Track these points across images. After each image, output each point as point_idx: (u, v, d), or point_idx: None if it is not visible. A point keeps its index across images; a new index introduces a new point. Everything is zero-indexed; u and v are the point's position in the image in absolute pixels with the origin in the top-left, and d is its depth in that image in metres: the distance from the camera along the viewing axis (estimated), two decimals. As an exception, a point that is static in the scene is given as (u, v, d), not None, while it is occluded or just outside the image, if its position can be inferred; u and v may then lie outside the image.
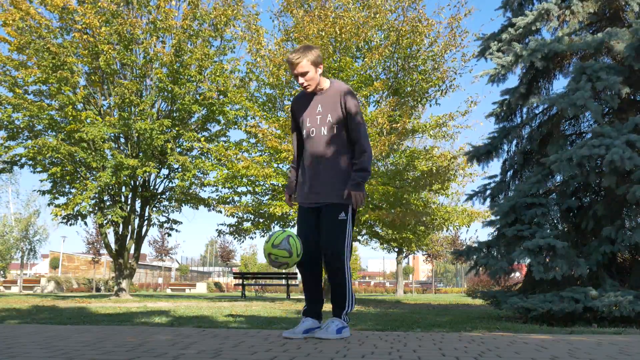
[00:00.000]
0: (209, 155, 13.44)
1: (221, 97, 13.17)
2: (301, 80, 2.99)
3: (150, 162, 12.11)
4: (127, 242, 13.37)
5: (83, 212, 12.74)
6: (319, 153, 3.01)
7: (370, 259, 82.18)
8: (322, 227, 2.99)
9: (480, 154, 7.53)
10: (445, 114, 13.07)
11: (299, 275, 18.45)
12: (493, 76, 7.07)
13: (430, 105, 13.34)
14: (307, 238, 3.03)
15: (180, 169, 13.20)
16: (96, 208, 12.79)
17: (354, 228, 4.79)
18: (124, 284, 13.14)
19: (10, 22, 11.51)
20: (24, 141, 12.37)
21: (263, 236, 14.38)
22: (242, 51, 42.71)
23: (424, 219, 13.32)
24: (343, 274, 2.96)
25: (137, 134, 12.32)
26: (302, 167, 3.16)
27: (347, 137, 3.02)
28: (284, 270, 15.93)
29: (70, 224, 13.07)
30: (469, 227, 13.90)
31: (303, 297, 20.67)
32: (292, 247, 2.85)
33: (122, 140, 13.12)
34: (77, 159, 12.21)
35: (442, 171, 12.92)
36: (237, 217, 13.59)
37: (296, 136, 3.22)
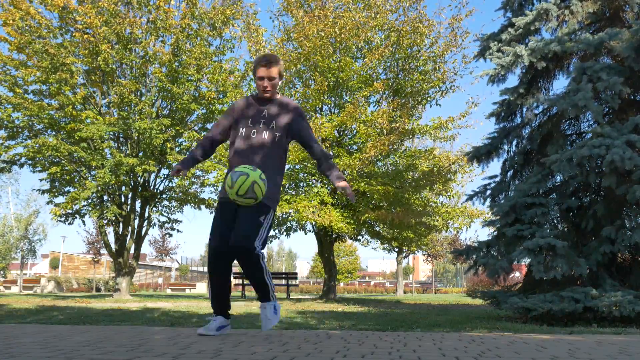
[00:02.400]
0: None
1: (220, 95, 13.17)
2: (266, 83, 3.09)
3: (149, 161, 12.11)
4: (127, 242, 13.37)
5: (82, 211, 12.73)
6: (256, 156, 3.07)
7: (370, 259, 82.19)
8: (240, 218, 2.99)
9: (481, 154, 7.54)
10: (447, 118, 13.05)
11: (298, 276, 18.44)
12: (493, 76, 7.07)
13: (431, 106, 13.35)
14: (223, 235, 3.00)
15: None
16: (96, 207, 12.79)
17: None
18: (124, 283, 13.14)
19: (11, 21, 11.51)
20: (23, 141, 12.37)
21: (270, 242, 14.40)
22: (241, 50, 42.69)
23: (424, 219, 13.33)
24: (262, 268, 3.01)
25: (136, 134, 12.32)
26: (231, 163, 3.16)
27: (284, 148, 3.17)
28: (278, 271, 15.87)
29: (69, 223, 13.06)
30: (469, 227, 13.91)
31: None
32: (242, 170, 2.84)
33: (122, 139, 13.12)
34: (77, 158, 12.21)
35: (442, 171, 12.93)
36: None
37: (222, 128, 3.26)
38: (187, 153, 3.21)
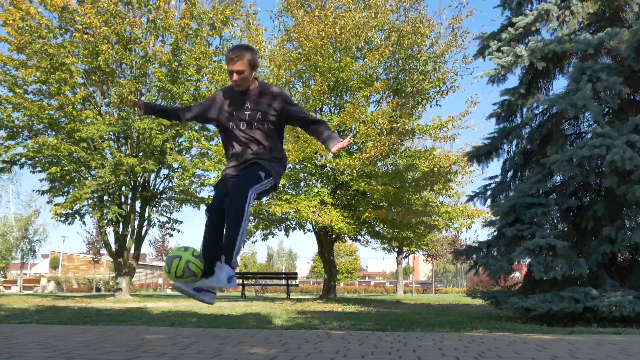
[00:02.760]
0: (210, 155, 13.44)
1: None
2: (235, 77, 3.05)
3: (149, 161, 12.11)
4: (127, 242, 13.37)
5: (82, 211, 12.73)
6: (250, 148, 3.08)
7: (370, 259, 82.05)
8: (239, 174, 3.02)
9: (481, 154, 7.53)
10: (447, 118, 13.05)
11: (298, 276, 18.44)
12: (493, 76, 7.07)
13: (431, 106, 13.35)
14: (218, 194, 3.04)
15: (180, 169, 13.21)
16: (95, 207, 12.79)
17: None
18: (124, 283, 13.14)
19: (11, 21, 11.51)
20: (23, 141, 12.37)
21: (264, 239, 14.41)
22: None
23: (424, 218, 13.33)
24: (243, 213, 2.87)
25: (136, 134, 12.32)
26: (228, 153, 3.17)
27: (277, 133, 3.15)
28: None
29: (69, 223, 13.06)
30: (469, 228, 13.90)
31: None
32: (175, 254, 2.88)
33: (122, 139, 13.13)
34: (77, 158, 12.21)
35: (442, 172, 12.93)
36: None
37: (198, 110, 3.26)
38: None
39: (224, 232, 2.94)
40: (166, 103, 13.24)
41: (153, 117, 3.32)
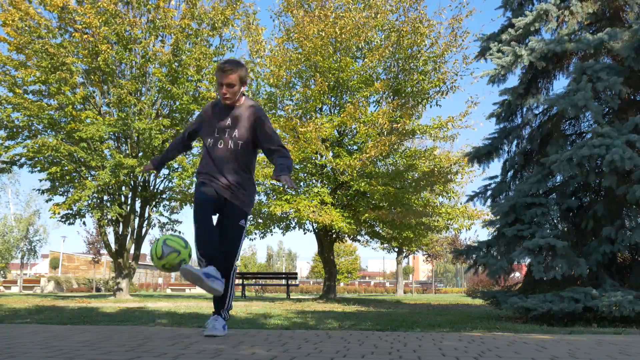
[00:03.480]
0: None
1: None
2: (224, 90, 3.09)
3: (149, 161, 12.11)
4: (127, 242, 13.37)
5: (82, 211, 12.73)
6: (224, 166, 3.12)
7: (370, 259, 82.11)
8: (225, 227, 3.13)
9: (481, 155, 7.53)
10: (447, 118, 13.05)
11: (298, 276, 18.44)
12: (493, 77, 7.07)
13: (431, 106, 13.35)
14: (209, 198, 3.08)
15: (180, 168, 13.20)
16: (96, 207, 12.79)
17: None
18: (124, 283, 13.14)
19: (10, 22, 11.50)
20: (23, 141, 12.37)
21: (262, 237, 14.41)
22: (241, 50, 42.65)
23: (424, 219, 13.33)
24: (229, 275, 3.13)
25: (136, 134, 12.32)
26: (207, 164, 3.18)
27: (253, 150, 3.22)
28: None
29: (69, 223, 13.06)
30: (469, 229, 13.91)
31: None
32: (174, 246, 2.89)
33: (122, 140, 13.13)
34: (77, 159, 12.21)
35: (443, 172, 12.93)
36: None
37: (191, 130, 3.38)
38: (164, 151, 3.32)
39: None
40: (166, 103, 13.26)
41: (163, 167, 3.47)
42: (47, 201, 13.20)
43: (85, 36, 11.71)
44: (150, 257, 2.97)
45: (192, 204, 3.21)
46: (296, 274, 16.74)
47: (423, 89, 12.70)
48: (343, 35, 12.01)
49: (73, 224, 13.13)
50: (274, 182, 12.73)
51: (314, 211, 11.57)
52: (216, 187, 3.10)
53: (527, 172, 7.39)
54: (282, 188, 13.12)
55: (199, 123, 3.31)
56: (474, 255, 6.85)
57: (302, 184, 13.45)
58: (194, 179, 13.71)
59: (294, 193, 12.93)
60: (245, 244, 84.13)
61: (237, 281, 16.55)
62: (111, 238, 13.71)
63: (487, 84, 7.23)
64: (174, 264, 2.87)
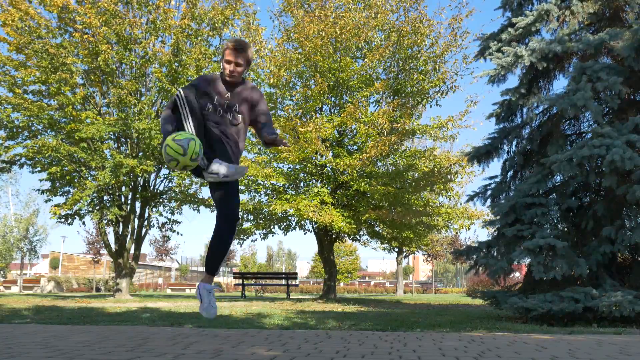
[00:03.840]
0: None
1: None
2: (232, 68, 3.10)
3: (148, 161, 12.11)
4: (127, 242, 13.37)
5: (81, 211, 12.74)
6: (226, 131, 3.16)
7: (370, 259, 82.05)
8: (230, 192, 3.17)
9: (481, 154, 7.53)
10: (447, 117, 13.05)
11: (298, 276, 18.43)
12: (493, 77, 7.07)
13: (431, 106, 13.35)
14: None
15: (180, 169, 13.19)
16: (96, 208, 12.79)
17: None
18: (124, 284, 13.14)
19: (10, 22, 11.50)
20: (23, 141, 12.37)
21: (264, 238, 14.42)
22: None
23: (424, 219, 13.33)
24: (234, 228, 3.24)
25: (136, 134, 12.32)
26: (202, 132, 3.14)
27: (245, 130, 3.28)
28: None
29: (69, 223, 13.06)
30: (468, 229, 13.91)
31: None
32: (188, 148, 2.81)
33: (122, 140, 13.12)
34: (77, 159, 12.21)
35: (443, 172, 12.93)
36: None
37: (186, 101, 3.17)
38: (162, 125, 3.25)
39: (220, 246, 3.17)
40: (166, 103, 13.26)
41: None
42: (46, 201, 13.21)
43: (86, 36, 11.71)
44: (169, 163, 2.82)
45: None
46: (296, 274, 16.74)
47: (423, 88, 12.70)
48: (343, 35, 12.00)
49: (72, 224, 13.13)
50: (273, 181, 12.73)
51: (314, 211, 11.58)
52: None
53: (527, 172, 7.39)
54: (282, 188, 13.12)
55: (195, 89, 3.19)
56: (474, 256, 6.85)
57: (302, 183, 13.45)
58: (194, 179, 13.77)
59: (294, 192, 12.92)
60: (246, 244, 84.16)
61: (236, 281, 16.55)
62: (111, 238, 13.72)
63: (486, 83, 7.23)
64: (169, 153, 2.78)
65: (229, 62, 3.10)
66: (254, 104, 3.23)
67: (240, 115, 3.19)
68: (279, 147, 11.64)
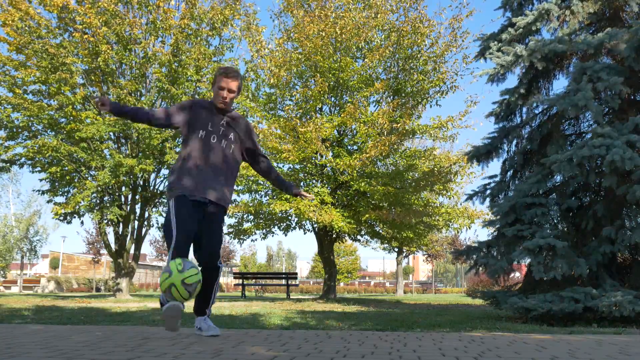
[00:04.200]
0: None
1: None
2: (225, 94, 3.13)
3: (147, 161, 12.11)
4: (127, 242, 13.37)
5: (82, 211, 12.75)
6: (217, 160, 3.12)
7: (370, 259, 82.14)
8: (211, 228, 3.08)
9: (480, 154, 7.53)
10: (447, 117, 13.04)
11: (298, 276, 18.43)
12: (492, 76, 7.07)
13: (431, 106, 13.34)
14: (190, 232, 2.96)
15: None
16: (96, 208, 12.79)
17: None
18: (124, 284, 13.14)
19: (10, 22, 11.50)
20: (23, 141, 12.37)
21: (264, 238, 14.41)
22: (240, 50, 42.60)
23: (424, 219, 13.32)
24: (219, 272, 3.18)
25: (136, 134, 12.32)
26: (188, 162, 3.09)
27: (238, 161, 3.29)
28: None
29: (68, 222, 13.06)
30: (469, 228, 13.90)
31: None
32: (194, 291, 2.78)
33: (122, 140, 13.13)
34: (77, 159, 12.21)
35: (443, 172, 12.92)
36: (237, 217, 13.62)
37: (175, 116, 3.16)
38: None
39: (204, 289, 3.08)
40: (166, 104, 13.26)
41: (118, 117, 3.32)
42: (48, 202, 13.21)
43: (85, 36, 11.71)
44: (164, 293, 2.75)
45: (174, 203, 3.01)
46: (296, 274, 16.74)
47: (423, 88, 12.70)
48: (343, 35, 12.00)
49: (70, 222, 13.14)
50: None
51: (314, 211, 11.58)
52: (209, 194, 3.05)
53: (527, 172, 7.38)
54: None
55: (186, 114, 3.16)
56: (474, 256, 6.85)
57: (302, 184, 13.44)
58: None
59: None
60: (246, 244, 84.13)
61: (236, 281, 16.57)
62: (111, 238, 13.72)
63: (486, 83, 7.23)
64: (194, 281, 2.71)
65: (222, 88, 3.11)
66: (247, 134, 3.28)
67: (232, 142, 3.19)
68: (279, 148, 11.66)
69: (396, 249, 25.03)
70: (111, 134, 12.71)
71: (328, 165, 12.69)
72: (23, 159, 12.53)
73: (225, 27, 13.21)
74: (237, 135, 3.23)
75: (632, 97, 6.63)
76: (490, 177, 7.64)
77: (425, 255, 35.45)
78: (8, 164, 12.72)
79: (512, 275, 7.12)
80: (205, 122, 3.15)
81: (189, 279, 2.68)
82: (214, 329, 3.12)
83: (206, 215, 3.08)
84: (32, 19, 11.77)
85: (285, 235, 14.55)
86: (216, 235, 3.09)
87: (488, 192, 7.46)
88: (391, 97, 13.01)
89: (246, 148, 3.31)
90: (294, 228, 14.10)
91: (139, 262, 16.34)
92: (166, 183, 2.95)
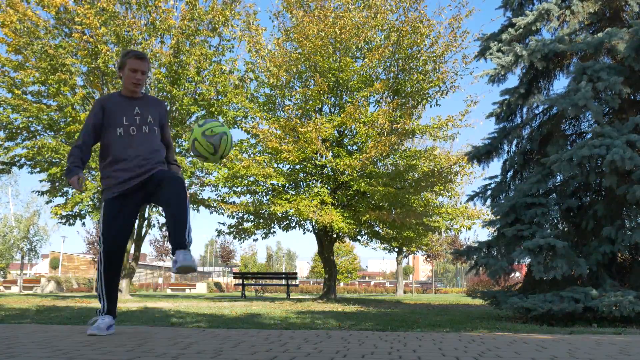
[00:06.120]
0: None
1: (220, 97, 13.17)
2: (139, 76, 3.12)
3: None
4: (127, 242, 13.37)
5: (82, 212, 12.74)
6: (143, 146, 3.09)
7: (370, 259, 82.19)
8: (163, 176, 3.01)
9: (481, 154, 7.53)
10: (447, 117, 13.04)
11: (298, 276, 18.43)
12: (493, 76, 7.07)
13: (431, 106, 13.34)
14: (117, 234, 3.00)
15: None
16: (96, 208, 12.79)
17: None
18: (124, 284, 13.13)
19: (8, 23, 11.49)
20: (22, 142, 12.37)
21: (265, 237, 14.41)
22: (240, 50, 42.57)
23: (425, 219, 13.32)
24: (183, 183, 2.96)
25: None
26: (111, 162, 3.08)
27: (160, 137, 3.24)
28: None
29: (69, 224, 13.06)
30: (469, 229, 13.89)
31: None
32: (220, 146, 2.74)
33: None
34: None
35: (443, 172, 12.92)
36: (237, 217, 13.62)
37: (96, 132, 3.15)
38: (69, 161, 3.17)
39: (169, 219, 2.89)
40: (165, 104, 13.25)
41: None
42: (47, 202, 13.21)
43: (85, 37, 11.71)
44: (202, 122, 2.75)
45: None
46: (296, 274, 16.74)
47: (423, 88, 12.69)
48: (343, 35, 11.99)
49: (73, 224, 13.14)
50: (273, 182, 12.73)
51: (314, 211, 11.57)
52: (142, 173, 3.03)
53: (527, 172, 7.38)
54: (282, 188, 13.11)
55: (101, 117, 3.13)
56: (474, 256, 6.85)
57: (302, 184, 13.45)
58: (194, 180, 13.78)
59: (294, 192, 12.91)
60: (246, 244, 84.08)
61: (236, 281, 16.56)
62: (111, 238, 13.69)
63: (486, 83, 7.23)
64: (198, 150, 2.70)
65: (134, 70, 3.10)
66: (161, 120, 3.25)
67: (152, 125, 3.15)
68: (279, 148, 11.65)
69: (396, 249, 25.02)
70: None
71: (328, 165, 12.69)
72: (23, 160, 12.52)
73: (225, 28, 13.21)
74: (156, 115, 3.21)
75: (632, 97, 6.63)
76: (491, 177, 7.64)
77: (425, 255, 35.45)
78: (8, 165, 12.72)
79: (512, 275, 7.12)
80: (119, 118, 3.11)
81: (210, 130, 2.70)
82: (191, 261, 2.79)
83: (155, 177, 3.04)
84: (31, 20, 11.76)
85: (286, 232, 14.57)
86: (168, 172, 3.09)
87: (489, 192, 7.46)
88: (391, 97, 13.01)
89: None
90: (294, 228, 14.11)
91: (139, 262, 16.34)
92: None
